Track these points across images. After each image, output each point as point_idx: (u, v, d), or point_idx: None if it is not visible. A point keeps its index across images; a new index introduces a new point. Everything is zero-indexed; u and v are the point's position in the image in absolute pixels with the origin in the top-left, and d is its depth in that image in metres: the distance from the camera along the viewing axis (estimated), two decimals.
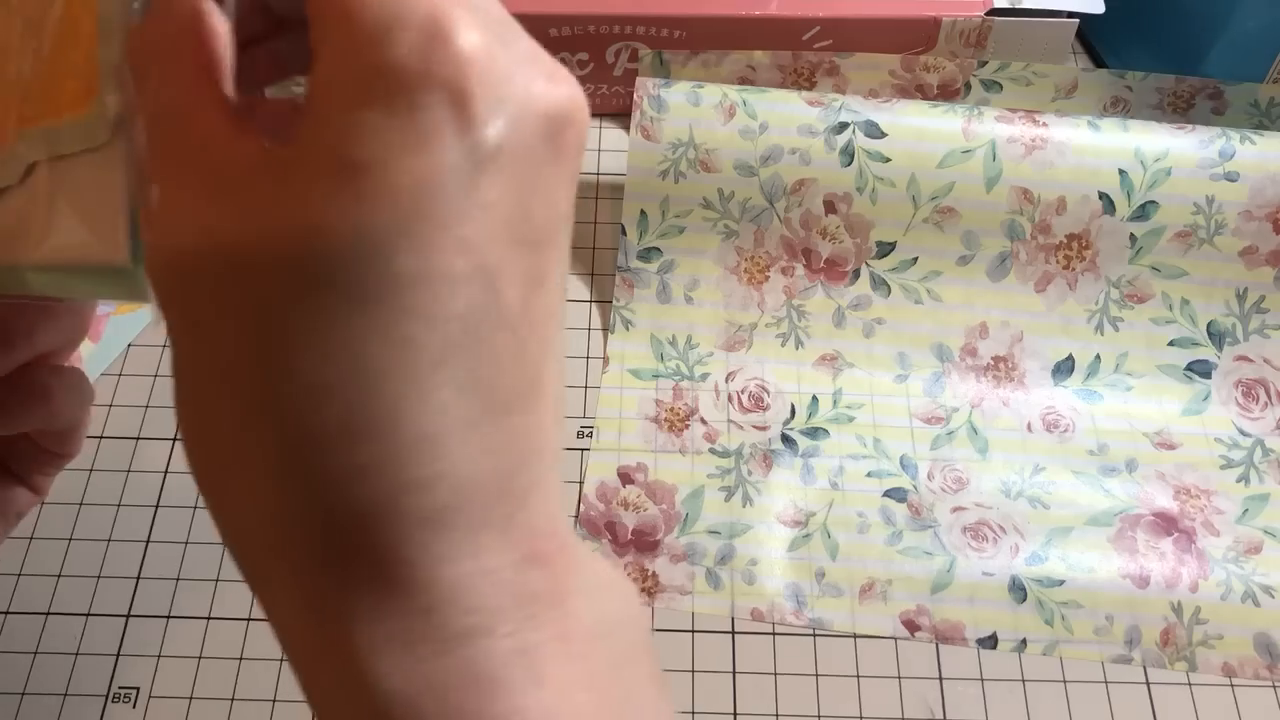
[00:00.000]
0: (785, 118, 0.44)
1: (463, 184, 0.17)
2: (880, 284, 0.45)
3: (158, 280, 0.19)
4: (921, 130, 0.43)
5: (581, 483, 0.42)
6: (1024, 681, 0.38)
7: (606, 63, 0.50)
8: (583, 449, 0.43)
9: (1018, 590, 0.39)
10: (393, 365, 0.17)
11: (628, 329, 0.45)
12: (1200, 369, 0.44)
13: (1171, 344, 0.44)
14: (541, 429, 0.19)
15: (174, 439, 0.43)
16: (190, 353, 0.19)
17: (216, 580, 0.40)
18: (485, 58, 0.17)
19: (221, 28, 0.19)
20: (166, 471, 0.42)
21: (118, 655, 0.38)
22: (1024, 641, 0.39)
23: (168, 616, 0.39)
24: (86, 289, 0.24)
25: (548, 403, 0.19)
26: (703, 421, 0.43)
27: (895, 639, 0.39)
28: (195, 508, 0.41)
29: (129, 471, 0.42)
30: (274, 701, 0.37)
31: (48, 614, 0.39)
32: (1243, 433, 0.43)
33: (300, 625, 0.18)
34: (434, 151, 0.17)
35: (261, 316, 0.17)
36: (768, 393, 0.44)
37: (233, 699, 0.37)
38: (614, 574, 0.21)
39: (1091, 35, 0.56)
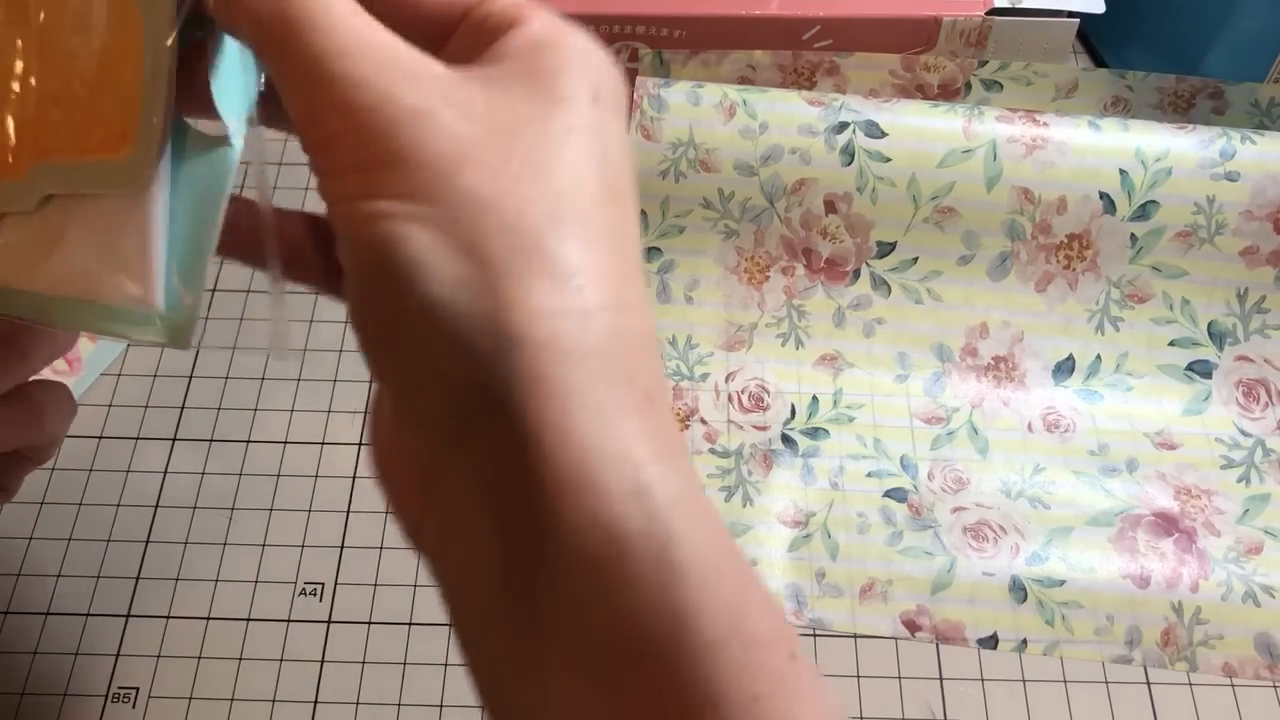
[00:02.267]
0: (785, 117, 0.44)
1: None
2: (880, 284, 0.45)
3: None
4: (922, 130, 0.43)
5: None
6: (1024, 681, 0.38)
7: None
8: None
9: (1018, 590, 0.39)
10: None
11: None
12: (1201, 369, 0.44)
13: (1172, 344, 0.44)
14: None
15: (173, 439, 0.43)
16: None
17: (216, 580, 0.40)
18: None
19: None
20: (166, 471, 0.42)
21: (117, 655, 0.38)
22: (1024, 641, 0.39)
23: (167, 617, 0.39)
24: (111, 327, 0.24)
25: None
26: (703, 421, 0.43)
27: (895, 639, 0.39)
28: (195, 508, 0.41)
29: (128, 471, 0.42)
30: (274, 702, 0.37)
31: (47, 614, 0.39)
32: (1243, 433, 0.43)
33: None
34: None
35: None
36: (768, 393, 0.44)
37: (232, 699, 0.37)
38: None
39: (1092, 35, 0.56)
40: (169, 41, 0.22)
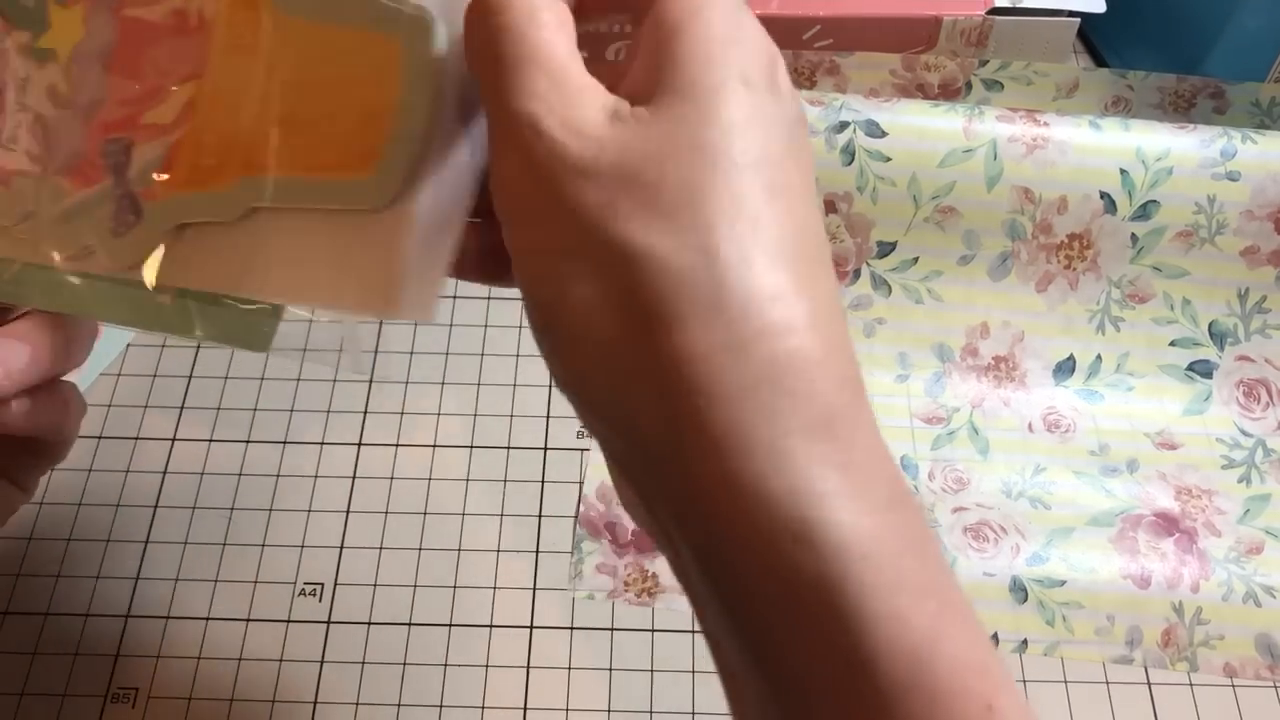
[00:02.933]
0: None
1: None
2: (881, 284, 0.45)
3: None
4: (922, 129, 0.43)
5: (582, 483, 0.42)
6: (1025, 682, 0.38)
7: (607, 62, 0.50)
8: (583, 449, 0.43)
9: (1019, 590, 0.39)
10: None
11: None
12: (1201, 369, 0.44)
13: (1173, 344, 0.44)
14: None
15: (174, 439, 0.43)
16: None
17: (216, 580, 0.40)
18: None
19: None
20: (165, 471, 0.42)
21: (117, 655, 0.38)
22: (1025, 642, 0.39)
23: (167, 617, 0.39)
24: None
25: None
26: None
27: None
28: (195, 508, 0.41)
29: (128, 472, 0.42)
30: (274, 702, 0.37)
31: (47, 614, 0.39)
32: (1244, 433, 0.43)
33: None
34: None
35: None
36: None
37: (232, 699, 0.37)
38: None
39: (1093, 34, 0.56)
40: (431, 74, 0.24)
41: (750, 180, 0.21)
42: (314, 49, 0.25)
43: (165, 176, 0.27)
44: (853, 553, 0.19)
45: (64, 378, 0.29)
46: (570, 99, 0.21)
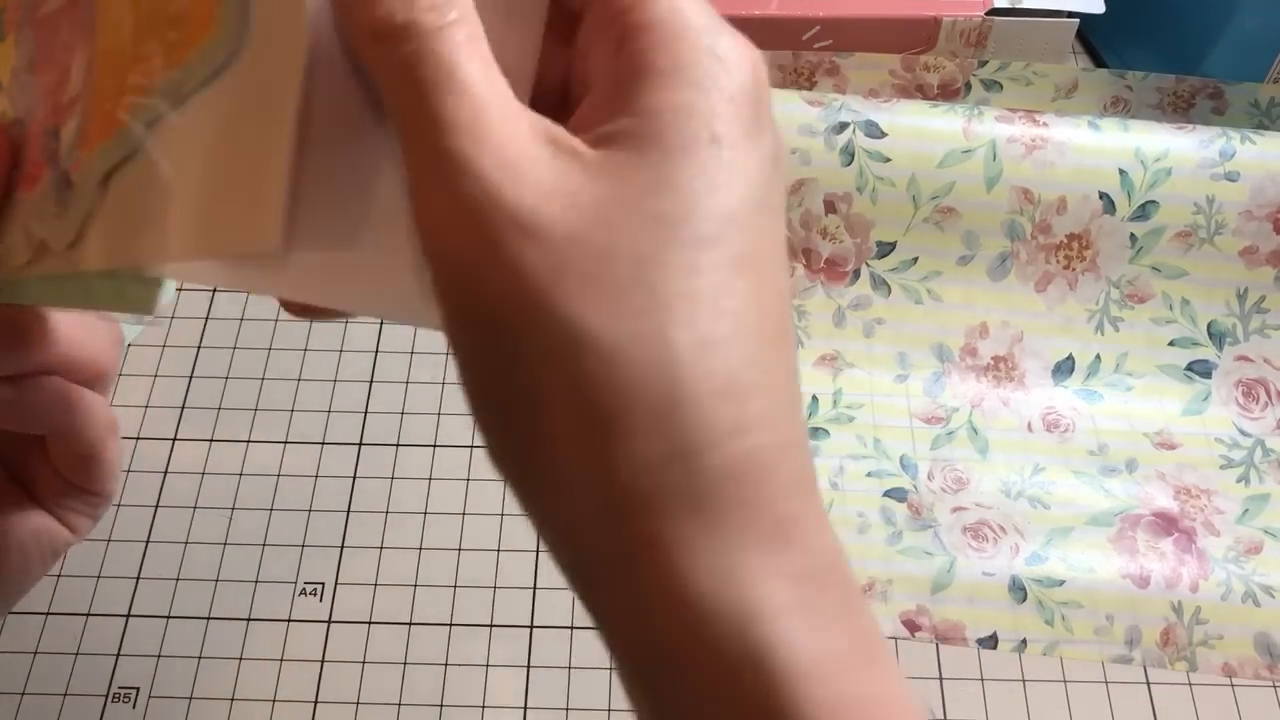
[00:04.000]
0: (785, 117, 0.44)
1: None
2: (880, 284, 0.45)
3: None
4: (922, 130, 0.43)
5: None
6: (1024, 681, 0.38)
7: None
8: None
9: (1018, 590, 0.39)
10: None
11: None
12: (1200, 369, 0.44)
13: (1172, 344, 0.44)
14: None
15: (174, 439, 0.43)
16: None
17: (216, 580, 0.40)
18: None
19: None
20: (166, 471, 0.42)
21: (118, 655, 0.38)
22: (1024, 641, 0.39)
23: (168, 616, 0.39)
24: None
25: None
26: None
27: (895, 639, 0.39)
28: (195, 508, 0.41)
29: (129, 471, 0.42)
30: (274, 702, 0.37)
31: (48, 614, 0.39)
32: (1243, 433, 0.43)
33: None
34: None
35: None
36: None
37: (232, 699, 0.37)
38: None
39: (1092, 35, 0.56)
40: None
41: (713, 256, 0.18)
42: None
43: (82, 146, 0.24)
44: (802, 672, 0.17)
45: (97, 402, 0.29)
46: (511, 134, 0.18)
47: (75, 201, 0.23)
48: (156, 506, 0.41)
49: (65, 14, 0.24)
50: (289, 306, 0.22)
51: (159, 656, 0.38)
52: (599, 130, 0.19)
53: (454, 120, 0.18)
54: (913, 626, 0.39)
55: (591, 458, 0.18)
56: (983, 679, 0.38)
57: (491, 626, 0.39)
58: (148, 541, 0.41)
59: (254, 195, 0.19)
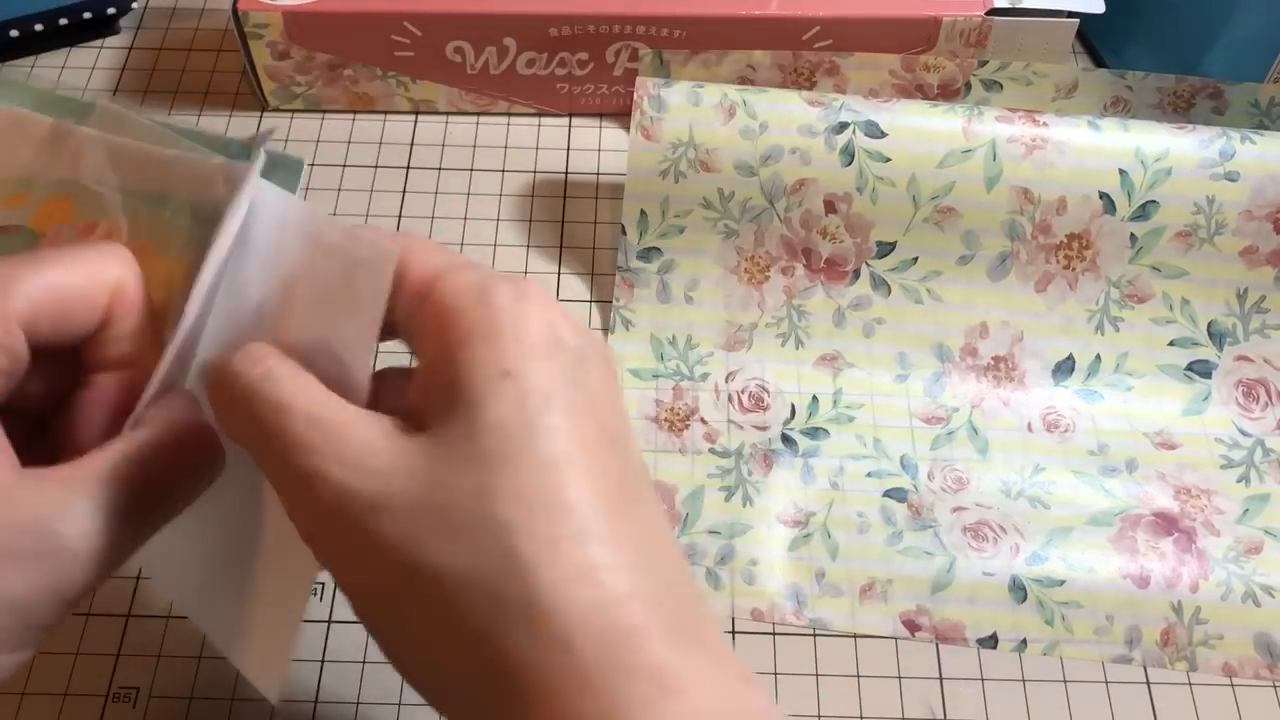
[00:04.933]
0: (785, 117, 0.44)
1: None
2: (880, 284, 0.45)
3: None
4: (922, 130, 0.43)
5: None
6: (1024, 681, 0.38)
7: (606, 63, 0.50)
8: None
9: (1018, 590, 0.39)
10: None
11: (628, 329, 0.45)
12: (1200, 369, 0.44)
13: (1172, 344, 0.44)
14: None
15: None
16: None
17: None
18: None
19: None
20: None
21: (118, 655, 0.38)
22: (1024, 641, 0.39)
23: (168, 616, 0.39)
24: None
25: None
26: (703, 421, 0.43)
27: (895, 639, 0.39)
28: None
29: None
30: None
31: None
32: (1243, 433, 0.43)
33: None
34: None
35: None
36: (768, 392, 0.44)
37: (232, 699, 0.37)
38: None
39: (1092, 35, 0.56)
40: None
41: (539, 463, 0.21)
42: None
43: None
44: None
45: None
46: (344, 438, 0.21)
47: None
48: None
49: None
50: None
51: (159, 656, 0.38)
52: (423, 403, 0.22)
53: (301, 443, 0.21)
54: (913, 626, 0.39)
55: (481, 668, 0.20)
56: (983, 679, 0.38)
57: None
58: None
59: None
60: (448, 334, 0.22)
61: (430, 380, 0.22)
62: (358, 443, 0.21)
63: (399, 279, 0.24)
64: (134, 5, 0.56)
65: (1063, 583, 0.39)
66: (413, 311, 0.23)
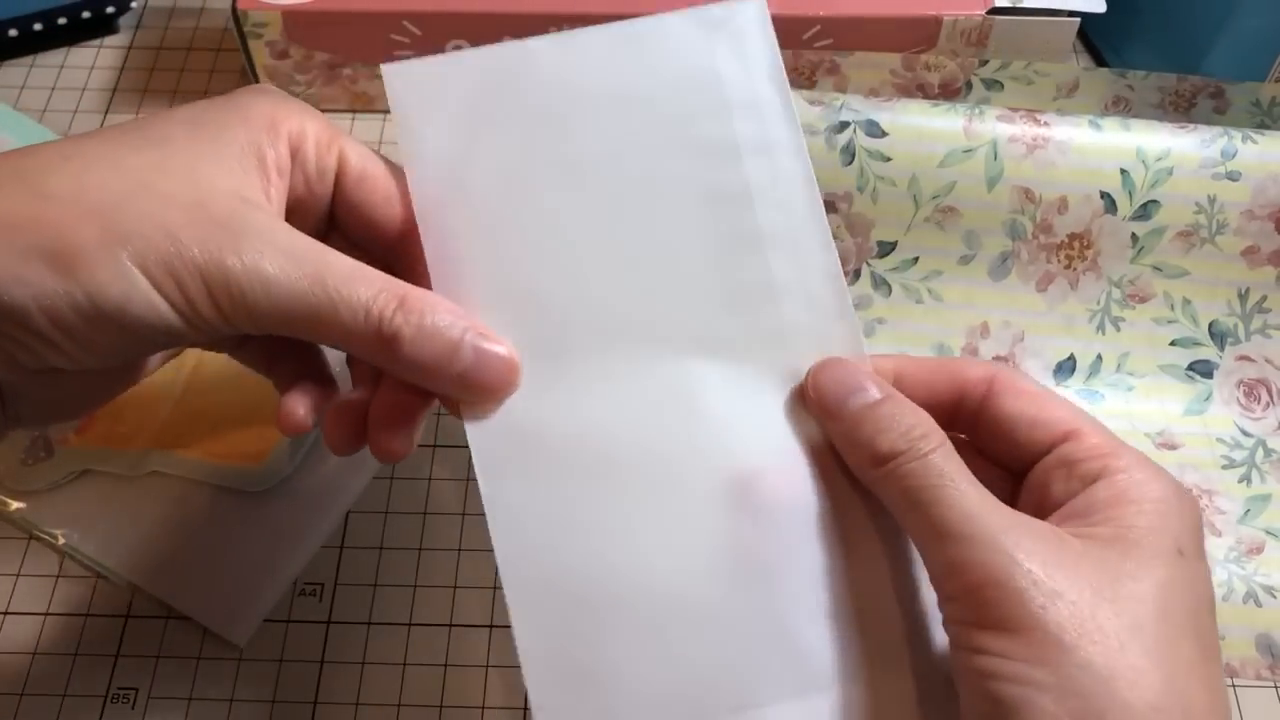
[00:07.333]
0: None
1: None
2: (881, 283, 0.45)
3: None
4: (922, 129, 0.43)
5: None
6: None
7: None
8: None
9: None
10: None
11: None
12: (1202, 369, 0.44)
13: (1173, 344, 0.44)
14: None
15: None
16: None
17: None
18: None
19: None
20: None
21: (117, 655, 0.38)
22: None
23: (167, 617, 0.39)
24: None
25: None
26: None
27: None
28: None
29: None
30: (274, 702, 0.37)
31: (47, 614, 0.39)
32: (1244, 433, 0.43)
33: None
34: None
35: None
36: None
37: (232, 699, 0.37)
38: None
39: (1093, 34, 0.56)
40: None
41: (1187, 639, 0.24)
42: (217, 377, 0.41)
43: (77, 433, 0.40)
44: None
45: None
46: (994, 528, 0.24)
47: (50, 467, 0.40)
48: None
49: None
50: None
51: (159, 657, 0.38)
52: (1079, 528, 0.25)
53: (948, 528, 0.24)
54: None
55: None
56: None
57: (491, 627, 0.39)
58: None
59: None
60: (1127, 493, 0.25)
61: (1095, 517, 0.25)
62: (1016, 534, 0.24)
63: None
64: (133, 4, 0.56)
65: None
66: (1075, 460, 0.27)
